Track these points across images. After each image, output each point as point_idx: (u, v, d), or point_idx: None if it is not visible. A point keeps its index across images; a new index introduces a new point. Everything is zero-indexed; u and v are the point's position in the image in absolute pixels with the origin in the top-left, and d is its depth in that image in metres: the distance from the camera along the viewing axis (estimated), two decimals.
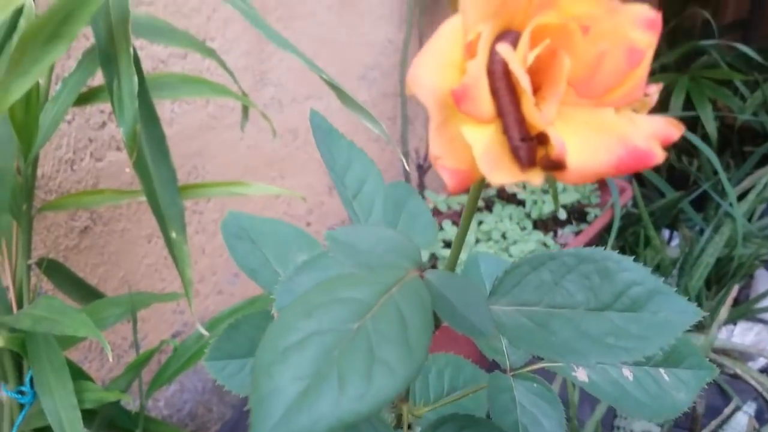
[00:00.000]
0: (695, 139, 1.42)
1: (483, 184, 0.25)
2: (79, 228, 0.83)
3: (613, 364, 0.25)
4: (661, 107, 1.82)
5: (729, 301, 0.90)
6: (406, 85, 0.19)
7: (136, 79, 0.52)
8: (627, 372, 0.32)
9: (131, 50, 0.52)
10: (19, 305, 0.57)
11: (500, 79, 0.19)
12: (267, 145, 1.04)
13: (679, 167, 1.68)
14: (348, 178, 0.37)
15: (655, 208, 1.44)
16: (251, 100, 0.70)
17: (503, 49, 0.19)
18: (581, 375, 0.32)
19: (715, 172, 1.59)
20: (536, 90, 0.20)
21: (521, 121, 0.19)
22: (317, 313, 0.21)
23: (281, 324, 0.21)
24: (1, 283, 0.57)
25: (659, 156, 0.19)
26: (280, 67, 1.01)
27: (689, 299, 0.95)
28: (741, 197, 1.43)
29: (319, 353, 0.20)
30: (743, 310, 1.21)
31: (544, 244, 1.07)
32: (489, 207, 1.16)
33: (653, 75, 1.79)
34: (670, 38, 2.17)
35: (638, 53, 0.20)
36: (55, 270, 0.64)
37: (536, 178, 0.20)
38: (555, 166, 0.19)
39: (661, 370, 0.32)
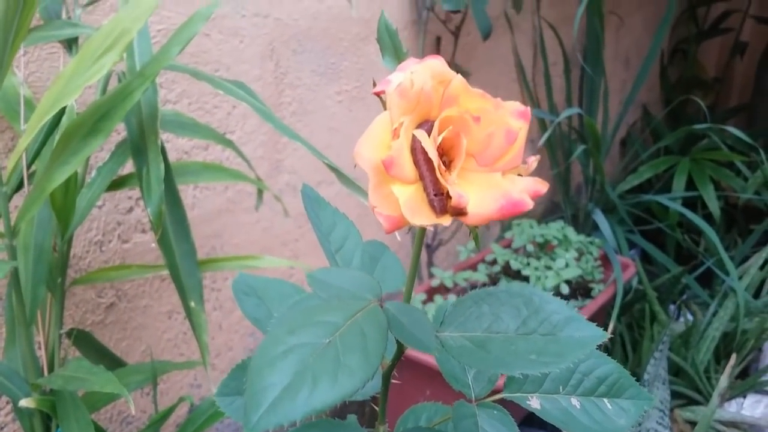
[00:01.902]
0: (695, 218, 1.46)
1: (423, 231, 0.32)
2: (105, 304, 0.90)
3: (535, 373, 0.31)
4: (664, 188, 1.88)
5: (727, 369, 0.93)
6: (354, 158, 0.27)
7: (162, 166, 0.60)
8: (575, 401, 0.37)
9: (159, 142, 0.60)
10: (50, 370, 0.63)
11: (419, 153, 0.28)
12: (281, 227, 1.11)
13: (685, 246, 1.72)
14: (333, 236, 0.44)
15: (660, 284, 1.47)
16: (265, 184, 0.77)
17: (419, 133, 0.28)
18: (534, 403, 0.37)
19: (706, 250, 1.63)
20: (449, 161, 0.27)
21: (435, 182, 0.28)
22: (298, 331, 0.28)
23: (270, 339, 0.28)
24: (35, 350, 0.63)
25: (529, 204, 0.28)
26: (294, 156, 1.10)
27: (696, 373, 0.96)
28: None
29: (299, 360, 0.27)
30: (752, 383, 1.22)
31: None
32: (495, 282, 1.21)
33: (656, 158, 1.87)
34: (672, 123, 2.26)
35: (513, 134, 0.28)
36: (82, 340, 0.70)
37: (446, 221, 0.28)
38: (459, 212, 0.27)
39: (605, 400, 0.38)
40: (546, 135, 1.32)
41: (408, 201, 0.27)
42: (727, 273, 1.42)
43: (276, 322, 0.29)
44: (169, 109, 0.88)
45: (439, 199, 0.27)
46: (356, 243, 0.43)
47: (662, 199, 1.59)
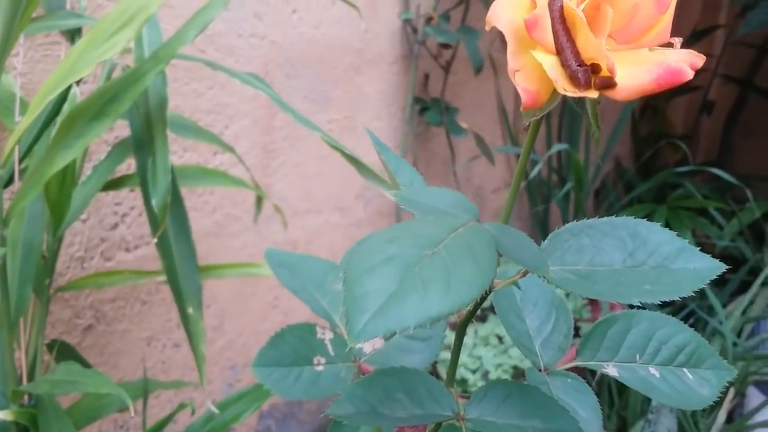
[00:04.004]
0: None
1: (525, 161, 0.29)
2: (83, 325, 0.84)
3: (653, 301, 0.28)
4: None
5: (722, 414, 0.91)
6: (486, 20, 0.26)
7: (170, 156, 0.57)
8: (653, 370, 0.35)
9: (167, 132, 0.58)
10: (30, 379, 0.57)
11: (558, 22, 0.25)
12: None
13: None
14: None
15: None
16: (265, 193, 0.74)
17: None
18: (612, 371, 0.35)
19: (701, 295, 1.64)
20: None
21: (576, 53, 0.25)
22: (397, 241, 0.25)
23: (365, 249, 0.25)
24: (14, 358, 0.58)
25: (689, 73, 0.25)
26: (283, 181, 1.07)
27: (684, 415, 0.94)
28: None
29: (403, 267, 0.24)
30: (737, 427, 1.20)
31: None
32: (484, 318, 1.18)
33: (630, 206, 1.89)
34: (643, 177, 2.31)
35: (665, 2, 0.26)
36: (65, 354, 0.65)
37: (593, 94, 0.26)
38: (607, 85, 0.25)
39: (685, 370, 0.35)
40: (534, 172, 1.32)
41: (552, 68, 0.25)
42: (712, 315, 1.42)
43: (369, 236, 0.26)
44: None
45: (584, 70, 0.25)
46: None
47: None
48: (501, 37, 0.26)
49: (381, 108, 1.22)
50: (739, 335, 1.48)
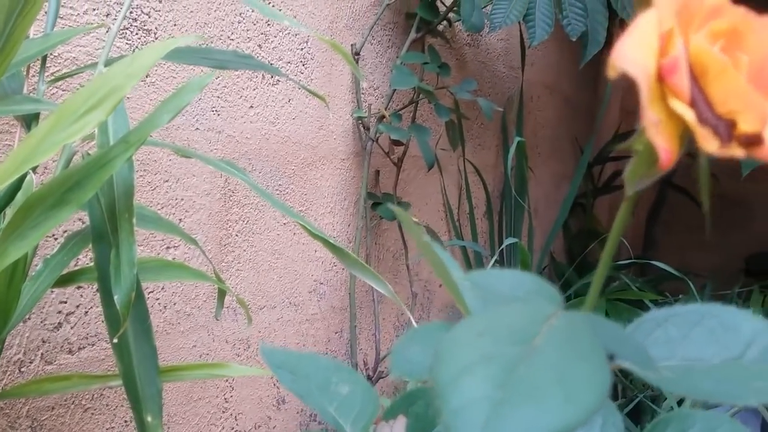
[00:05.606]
0: None
1: (630, 209, 0.27)
2: None
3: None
4: None
5: None
6: (609, 64, 0.22)
7: (136, 248, 0.53)
8: None
9: (133, 222, 0.54)
10: None
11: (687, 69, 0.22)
12: (218, 354, 1.02)
13: (613, 381, 1.73)
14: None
15: None
16: (227, 287, 0.71)
17: (698, 40, 0.23)
18: None
19: (644, 385, 1.65)
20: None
21: (710, 104, 0.23)
22: (488, 334, 0.22)
23: (454, 343, 0.22)
24: None
25: None
26: (237, 276, 1.04)
27: None
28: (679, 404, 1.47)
29: (504, 369, 0.21)
30: None
31: None
32: None
33: (569, 300, 1.94)
34: (579, 270, 2.39)
35: None
36: None
37: (738, 152, 0.22)
38: (752, 142, 0.22)
39: None
40: (489, 266, 1.33)
41: (695, 121, 0.22)
42: (659, 406, 1.43)
43: (456, 329, 0.22)
44: None
45: (725, 124, 0.22)
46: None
47: None
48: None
49: (335, 202, 1.22)
50: None
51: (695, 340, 0.29)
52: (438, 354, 0.21)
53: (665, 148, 0.22)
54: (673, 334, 0.29)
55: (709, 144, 0.22)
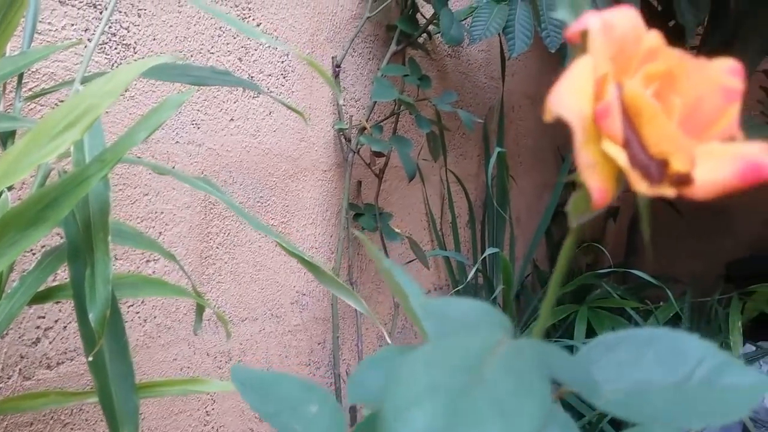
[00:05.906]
0: None
1: (575, 236, 0.27)
2: None
3: (711, 425, 0.26)
4: (566, 334, 1.94)
5: None
6: (545, 108, 0.23)
7: (111, 265, 0.54)
8: None
9: (108, 240, 0.55)
10: None
11: (621, 112, 0.23)
12: (199, 368, 1.02)
13: None
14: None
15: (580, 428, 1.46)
16: (207, 301, 0.72)
17: (632, 84, 0.24)
18: None
19: None
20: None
21: (643, 146, 0.23)
22: (437, 364, 0.23)
23: (405, 374, 0.22)
24: None
25: None
26: (218, 289, 1.04)
27: None
28: None
29: (449, 399, 0.22)
30: None
31: None
32: None
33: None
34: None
35: (733, 92, 0.24)
36: None
37: (668, 191, 0.23)
38: (683, 181, 0.23)
39: None
40: (470, 276, 1.34)
41: (627, 163, 0.22)
42: None
43: (409, 357, 0.23)
44: None
45: (657, 165, 0.23)
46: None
47: (567, 344, 1.63)
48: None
49: (316, 214, 1.23)
50: None
51: (645, 363, 0.29)
52: (387, 383, 0.22)
53: (598, 188, 0.23)
54: (624, 357, 0.30)
55: (639, 185, 0.23)
